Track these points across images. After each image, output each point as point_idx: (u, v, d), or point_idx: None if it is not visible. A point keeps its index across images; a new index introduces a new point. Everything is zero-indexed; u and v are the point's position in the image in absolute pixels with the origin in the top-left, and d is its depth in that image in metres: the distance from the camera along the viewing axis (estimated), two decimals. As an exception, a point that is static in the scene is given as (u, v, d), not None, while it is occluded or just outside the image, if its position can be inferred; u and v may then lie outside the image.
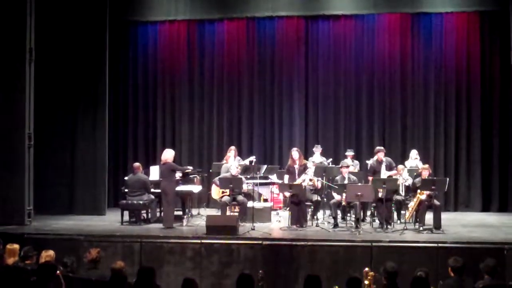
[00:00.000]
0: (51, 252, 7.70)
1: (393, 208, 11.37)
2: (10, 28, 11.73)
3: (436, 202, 10.81)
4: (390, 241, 9.89)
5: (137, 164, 12.13)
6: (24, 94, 11.65)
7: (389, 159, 11.63)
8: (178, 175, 11.63)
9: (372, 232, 10.67)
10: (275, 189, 12.80)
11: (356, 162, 13.08)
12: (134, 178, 11.81)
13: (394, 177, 11.27)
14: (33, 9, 11.88)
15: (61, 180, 13.22)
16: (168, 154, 11.32)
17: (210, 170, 13.24)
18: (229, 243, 9.99)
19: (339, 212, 11.38)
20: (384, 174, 11.25)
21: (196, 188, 12.17)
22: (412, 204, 10.95)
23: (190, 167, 12.29)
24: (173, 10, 14.18)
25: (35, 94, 11.98)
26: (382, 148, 11.69)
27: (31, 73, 11.84)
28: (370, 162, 12.27)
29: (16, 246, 8.08)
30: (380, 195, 10.84)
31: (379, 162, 11.36)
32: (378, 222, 11.14)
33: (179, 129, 14.66)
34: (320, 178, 11.62)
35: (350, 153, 13.07)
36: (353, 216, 11.26)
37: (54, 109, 13.26)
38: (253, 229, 10.64)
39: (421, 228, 10.68)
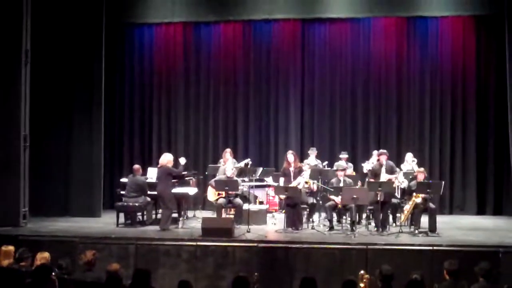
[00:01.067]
0: (46, 254, 7.68)
1: (389, 211, 11.37)
2: (6, 30, 11.71)
3: (431, 205, 10.82)
4: (385, 244, 9.89)
5: (137, 166, 12.13)
6: (20, 96, 11.63)
7: (390, 162, 11.49)
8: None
9: (368, 235, 10.67)
10: (270, 191, 12.82)
11: (350, 164, 13.09)
12: (132, 180, 11.81)
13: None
14: (29, 10, 11.86)
15: (57, 181, 13.20)
16: (166, 158, 11.30)
17: (206, 173, 13.25)
18: (225, 245, 9.98)
19: (334, 215, 11.39)
20: (384, 177, 11.20)
21: (191, 190, 12.16)
22: (407, 207, 10.95)
23: (184, 160, 12.10)
24: (170, 12, 14.13)
25: (31, 96, 11.96)
26: (385, 151, 11.59)
27: (27, 75, 11.82)
28: (367, 165, 12.29)
29: (11, 247, 8.05)
30: (379, 198, 10.83)
31: (381, 165, 11.30)
32: (374, 225, 11.15)
33: (175, 131, 14.67)
34: (315, 181, 11.64)
35: (344, 155, 13.09)
36: (349, 219, 11.26)
37: (50, 111, 13.24)
38: (249, 232, 10.63)
39: (416, 231, 10.68)
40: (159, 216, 11.62)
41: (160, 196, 11.24)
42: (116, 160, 14.67)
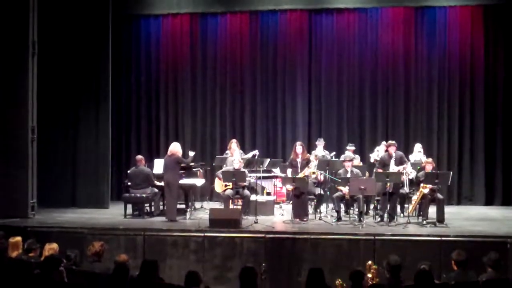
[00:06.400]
0: (54, 245, 7.72)
1: (397, 202, 11.34)
2: (13, 22, 11.71)
3: (439, 195, 10.78)
4: (393, 235, 9.87)
5: (139, 156, 12.12)
6: (27, 88, 11.65)
7: (399, 153, 11.41)
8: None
9: (375, 226, 10.66)
10: (278, 182, 12.81)
11: (357, 156, 13.05)
12: (136, 171, 11.81)
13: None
14: (36, 2, 11.85)
15: (64, 173, 13.27)
16: (176, 147, 11.32)
17: (213, 164, 13.25)
18: (232, 236, 10.00)
19: (342, 205, 11.38)
20: (393, 168, 11.14)
21: (199, 181, 12.17)
22: (415, 198, 10.94)
23: (193, 152, 12.14)
24: (176, 3, 14.18)
25: (38, 88, 11.97)
26: (394, 142, 11.53)
27: (34, 67, 11.83)
28: (375, 155, 12.25)
29: (19, 238, 8.10)
30: (388, 189, 10.80)
31: (390, 156, 11.26)
32: (381, 215, 11.12)
33: (182, 123, 14.67)
34: (323, 172, 11.62)
35: (351, 147, 13.03)
36: (356, 209, 11.25)
37: (57, 103, 13.28)
38: (256, 222, 10.64)
39: (424, 222, 10.67)
40: (166, 206, 11.61)
41: (167, 184, 11.23)
42: (124, 151, 14.69)
